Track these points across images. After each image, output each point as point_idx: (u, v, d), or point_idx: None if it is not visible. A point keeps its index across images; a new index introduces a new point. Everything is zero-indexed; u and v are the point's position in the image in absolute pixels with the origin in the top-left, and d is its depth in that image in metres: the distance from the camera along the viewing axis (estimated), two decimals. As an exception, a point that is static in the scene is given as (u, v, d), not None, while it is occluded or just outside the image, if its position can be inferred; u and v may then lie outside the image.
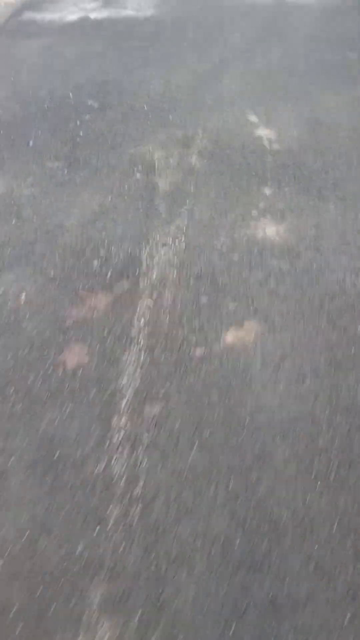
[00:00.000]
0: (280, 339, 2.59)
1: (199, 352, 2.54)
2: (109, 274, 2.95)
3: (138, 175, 3.73)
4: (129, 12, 6.38)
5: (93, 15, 6.32)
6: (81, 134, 4.18)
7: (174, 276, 2.93)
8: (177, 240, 3.17)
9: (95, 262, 3.03)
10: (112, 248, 3.12)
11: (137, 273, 2.95)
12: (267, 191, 3.56)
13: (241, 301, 2.78)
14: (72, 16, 6.31)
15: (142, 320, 2.68)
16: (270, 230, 3.25)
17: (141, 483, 2.08)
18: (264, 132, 4.17)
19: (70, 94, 4.72)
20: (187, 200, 3.47)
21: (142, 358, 2.51)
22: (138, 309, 2.73)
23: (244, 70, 5.08)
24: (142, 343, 2.58)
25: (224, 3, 6.65)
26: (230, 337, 2.60)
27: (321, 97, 4.62)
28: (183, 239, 3.18)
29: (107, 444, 2.20)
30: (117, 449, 2.19)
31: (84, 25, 6.09)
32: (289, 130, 4.18)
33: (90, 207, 3.44)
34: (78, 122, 4.31)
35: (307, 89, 4.72)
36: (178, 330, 2.63)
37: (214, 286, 2.87)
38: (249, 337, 2.60)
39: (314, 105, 4.50)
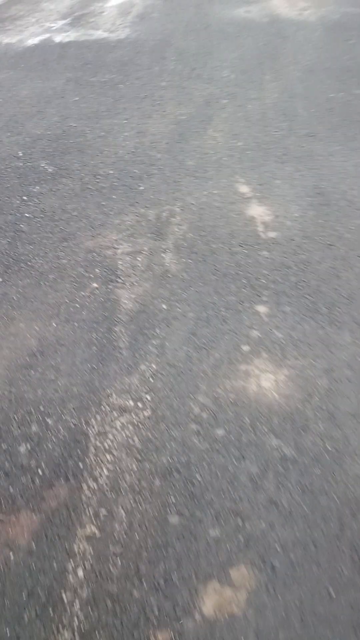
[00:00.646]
0: (283, 602, 1.73)
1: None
2: (41, 470, 2.07)
3: (94, 284, 2.84)
4: (100, 34, 5.43)
5: (58, 38, 5.36)
6: (27, 215, 3.27)
7: (133, 474, 2.05)
8: (140, 402, 2.30)
9: (23, 447, 2.15)
10: (49, 419, 2.24)
11: (80, 468, 2.08)
12: (262, 309, 2.69)
13: (227, 523, 1.92)
14: (33, 39, 5.35)
15: (80, 572, 1.81)
16: (266, 381, 2.38)
17: None
18: (257, 211, 3.28)
19: (20, 152, 3.80)
20: (158, 329, 2.60)
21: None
22: (75, 546, 1.86)
23: (233, 116, 4.17)
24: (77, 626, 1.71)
25: (211, 21, 5.70)
26: (209, 604, 1.74)
27: (327, 157, 3.72)
28: (149, 399, 2.31)
29: None
30: None
31: (45, 52, 5.14)
32: (288, 208, 3.29)
33: (25, 342, 2.55)
34: (24, 198, 3.41)
35: (310, 146, 3.83)
36: (133, 591, 1.76)
37: (188, 492, 2.00)
38: (238, 601, 1.74)
39: (318, 169, 3.61)
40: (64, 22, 5.67)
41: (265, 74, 4.74)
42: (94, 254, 3.02)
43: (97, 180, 3.53)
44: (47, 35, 5.40)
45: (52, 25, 5.65)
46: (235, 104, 4.32)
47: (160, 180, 3.52)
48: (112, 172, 3.60)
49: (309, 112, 4.19)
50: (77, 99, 4.40)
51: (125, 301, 2.74)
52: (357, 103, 4.30)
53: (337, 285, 2.80)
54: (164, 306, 2.70)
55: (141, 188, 3.46)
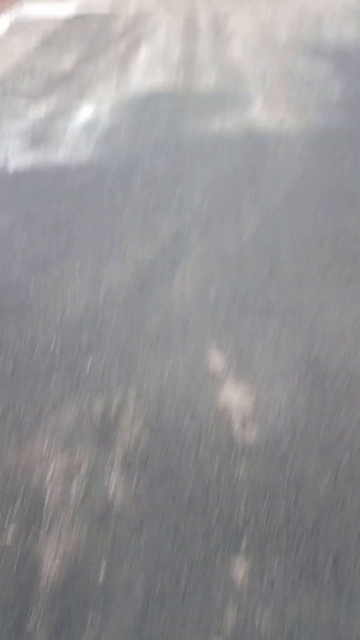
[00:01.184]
0: None
1: None
2: None
3: (11, 529, 2.05)
4: (59, 157, 4.88)
5: (13, 163, 4.80)
6: None
7: None
8: None
9: None
10: None
11: None
12: (239, 574, 1.89)
13: None
14: (-16, 167, 4.79)
15: None
16: None
17: None
18: (233, 397, 2.55)
19: None
20: (90, 617, 1.79)
21: None
22: None
23: (205, 256, 3.51)
24: None
25: (183, 136, 5.18)
26: None
27: (318, 311, 3.03)
28: None
29: None
30: None
31: (-3, 181, 4.56)
32: (272, 391, 2.56)
33: None
34: None
35: (297, 295, 3.14)
36: None
37: None
38: None
39: (309, 328, 2.91)
40: (22, 142, 5.14)
41: (243, 200, 4.13)
42: (17, 473, 2.25)
43: (34, 357, 2.80)
44: (0, 159, 4.85)
45: (10, 143, 5.12)
46: (207, 239, 3.68)
47: (113, 353, 2.80)
48: (54, 343, 2.88)
49: (293, 249, 3.53)
50: (24, 240, 3.75)
51: (49, 564, 1.94)
52: (348, 236, 3.65)
53: (345, 532, 2.02)
54: (101, 577, 1.90)
55: (87, 366, 2.74)
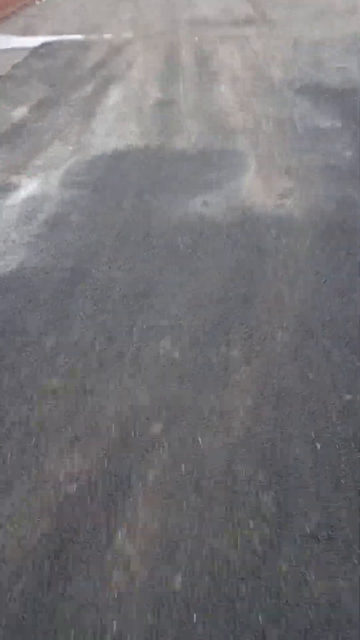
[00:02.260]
0: None
1: None
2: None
3: None
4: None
5: None
6: None
7: None
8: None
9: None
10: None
11: None
12: None
13: None
14: None
15: None
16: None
17: None
18: None
19: None
20: None
21: None
22: None
23: (166, 481, 2.10)
24: None
25: (154, 224, 3.81)
26: None
27: None
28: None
29: None
30: None
31: None
32: None
33: None
34: None
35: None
36: None
37: None
38: None
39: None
40: None
41: (234, 345, 2.73)
42: None
43: None
44: None
45: None
46: (178, 439, 2.26)
47: None
48: None
49: (313, 476, 2.11)
50: None
51: None
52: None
53: None
54: None
55: None
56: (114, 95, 6.22)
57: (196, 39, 8.41)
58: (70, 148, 4.98)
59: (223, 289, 3.18)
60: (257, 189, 4.23)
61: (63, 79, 6.90)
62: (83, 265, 3.40)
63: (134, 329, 2.87)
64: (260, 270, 3.32)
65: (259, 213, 3.90)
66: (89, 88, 6.50)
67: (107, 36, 8.82)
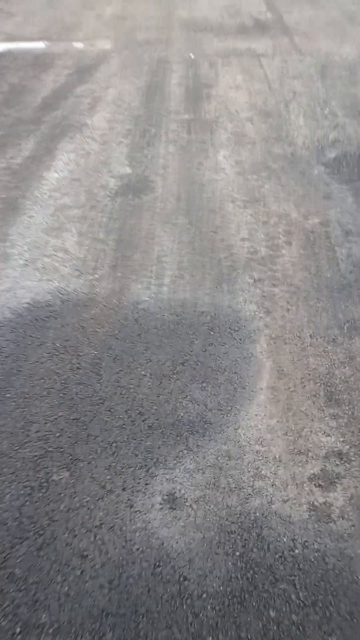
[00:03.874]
0: None
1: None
2: None
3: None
4: None
5: None
6: None
7: None
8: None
9: None
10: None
11: None
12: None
13: None
14: None
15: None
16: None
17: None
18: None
19: None
20: None
21: None
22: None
23: None
24: None
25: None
26: None
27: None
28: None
29: None
30: None
31: None
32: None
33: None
34: None
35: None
36: None
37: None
38: None
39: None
40: None
41: None
42: None
43: None
44: None
45: None
46: None
47: None
48: None
49: None
50: None
51: None
52: None
53: None
54: None
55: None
56: (59, 166, 3.99)
57: (192, 55, 6.09)
58: None
59: None
60: (275, 413, 2.10)
61: (-3, 125, 4.65)
62: None
63: None
64: None
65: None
66: (25, 149, 4.25)
67: (78, 45, 6.49)
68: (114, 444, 2.14)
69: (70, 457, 2.11)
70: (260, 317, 2.67)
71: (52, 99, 5.08)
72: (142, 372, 2.40)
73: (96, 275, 2.96)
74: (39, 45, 6.50)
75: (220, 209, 3.49)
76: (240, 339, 2.56)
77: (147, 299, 2.79)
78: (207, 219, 3.40)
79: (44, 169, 3.98)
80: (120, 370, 2.42)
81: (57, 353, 2.50)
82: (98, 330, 2.63)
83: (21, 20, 7.41)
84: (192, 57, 6.07)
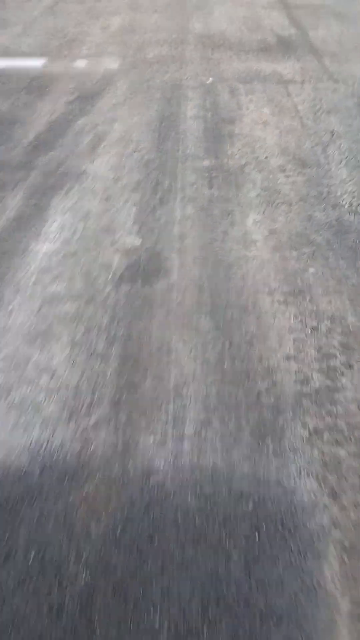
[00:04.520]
0: None
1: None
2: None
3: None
4: None
5: None
6: None
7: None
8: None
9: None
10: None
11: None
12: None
13: None
14: None
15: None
16: None
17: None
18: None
19: None
20: None
21: None
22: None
23: None
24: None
25: None
26: None
27: None
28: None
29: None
30: None
31: None
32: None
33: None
34: None
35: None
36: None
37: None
38: None
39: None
40: None
41: None
42: None
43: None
44: None
45: None
46: None
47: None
48: None
49: None
50: None
51: None
52: None
53: None
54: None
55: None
56: (51, 233, 3.13)
57: (210, 80, 5.22)
58: None
59: None
60: None
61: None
62: None
63: None
64: None
65: None
66: (9, 206, 3.39)
67: (81, 64, 5.63)
68: None
69: None
70: (325, 506, 1.82)
71: (47, 135, 4.22)
72: (156, 624, 1.55)
73: (92, 420, 2.11)
74: (36, 63, 5.63)
75: (255, 306, 2.64)
76: (298, 549, 1.71)
77: (162, 465, 1.94)
78: (239, 322, 2.55)
79: (32, 238, 3.12)
80: (122, 620, 1.56)
81: (28, 579, 1.65)
82: (91, 528, 1.77)
83: (20, 30, 6.53)
84: (210, 81, 5.20)
